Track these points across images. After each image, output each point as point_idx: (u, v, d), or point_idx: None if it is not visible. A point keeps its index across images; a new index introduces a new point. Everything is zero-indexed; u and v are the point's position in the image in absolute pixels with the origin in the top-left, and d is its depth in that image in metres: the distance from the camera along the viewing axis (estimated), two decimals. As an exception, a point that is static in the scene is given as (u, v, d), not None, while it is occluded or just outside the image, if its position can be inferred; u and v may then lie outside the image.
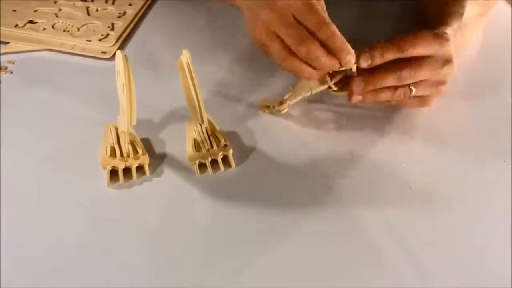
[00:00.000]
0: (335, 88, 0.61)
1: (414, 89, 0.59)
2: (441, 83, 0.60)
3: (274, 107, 0.63)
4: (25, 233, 0.51)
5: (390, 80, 0.58)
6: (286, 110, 0.63)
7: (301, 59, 0.57)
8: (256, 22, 0.59)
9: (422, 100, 0.62)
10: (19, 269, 0.49)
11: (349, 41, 0.56)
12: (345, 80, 0.61)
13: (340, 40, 0.56)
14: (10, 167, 0.56)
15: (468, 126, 0.63)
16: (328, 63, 0.56)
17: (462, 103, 0.66)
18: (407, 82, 0.59)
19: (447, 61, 0.59)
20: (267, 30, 0.58)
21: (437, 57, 0.58)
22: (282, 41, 0.57)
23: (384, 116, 0.64)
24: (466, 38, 0.67)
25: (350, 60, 0.56)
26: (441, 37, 0.59)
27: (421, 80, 0.59)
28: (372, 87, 0.59)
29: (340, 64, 0.56)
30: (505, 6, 0.80)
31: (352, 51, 0.56)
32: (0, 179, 0.55)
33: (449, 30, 0.61)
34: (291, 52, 0.57)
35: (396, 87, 0.59)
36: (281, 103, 0.63)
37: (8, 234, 0.51)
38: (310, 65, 0.57)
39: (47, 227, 0.52)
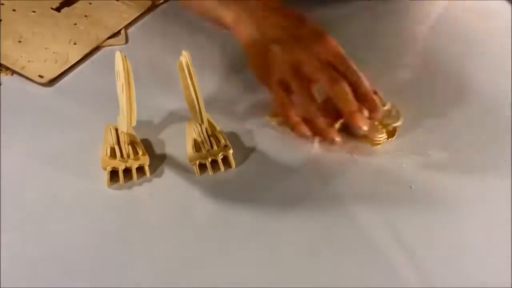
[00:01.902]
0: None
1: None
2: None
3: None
4: (25, 233, 0.52)
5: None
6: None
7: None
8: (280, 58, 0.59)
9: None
10: (19, 269, 0.49)
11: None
12: None
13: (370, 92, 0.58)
14: (10, 167, 0.57)
15: (467, 126, 0.63)
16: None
17: (462, 104, 0.66)
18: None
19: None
20: (296, 69, 0.58)
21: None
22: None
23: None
24: None
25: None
26: None
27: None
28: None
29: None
30: (505, 6, 0.80)
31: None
32: (0, 179, 0.55)
33: None
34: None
35: None
36: None
37: (8, 234, 0.51)
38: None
39: (47, 227, 0.52)
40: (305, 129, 0.58)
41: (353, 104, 0.57)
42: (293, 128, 0.59)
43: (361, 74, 0.58)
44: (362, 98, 0.57)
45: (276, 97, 0.60)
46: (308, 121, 0.58)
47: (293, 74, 0.58)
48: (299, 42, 0.59)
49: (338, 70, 0.58)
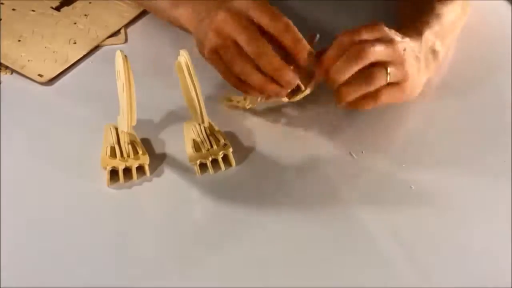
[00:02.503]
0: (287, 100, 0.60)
1: (388, 68, 0.57)
2: (400, 62, 0.57)
3: (238, 101, 0.62)
4: (25, 233, 0.52)
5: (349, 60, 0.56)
6: (250, 106, 0.62)
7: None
8: (207, 33, 0.57)
9: (399, 89, 0.59)
10: (19, 269, 0.49)
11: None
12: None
13: (295, 33, 0.55)
14: (10, 167, 0.56)
15: (468, 126, 0.63)
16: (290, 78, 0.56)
17: (462, 104, 0.66)
18: (365, 57, 0.56)
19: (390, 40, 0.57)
20: (221, 34, 0.56)
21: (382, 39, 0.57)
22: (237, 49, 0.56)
23: (383, 116, 0.64)
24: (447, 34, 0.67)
25: (307, 56, 0.55)
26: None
27: (386, 61, 0.57)
28: (336, 69, 0.57)
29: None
30: (505, 6, 0.80)
31: (308, 46, 0.55)
32: (0, 179, 0.55)
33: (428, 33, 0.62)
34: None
35: (370, 73, 0.57)
36: (244, 99, 0.62)
37: (8, 234, 0.51)
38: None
39: (47, 227, 0.52)
40: (245, 87, 0.58)
41: (275, 61, 0.55)
42: (239, 89, 0.58)
43: (284, 21, 0.55)
44: (290, 48, 0.56)
45: (215, 66, 0.59)
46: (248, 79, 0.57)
47: (217, 39, 0.57)
48: (224, 3, 0.57)
49: (260, 23, 0.55)
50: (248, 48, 0.55)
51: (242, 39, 0.55)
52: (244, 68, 0.56)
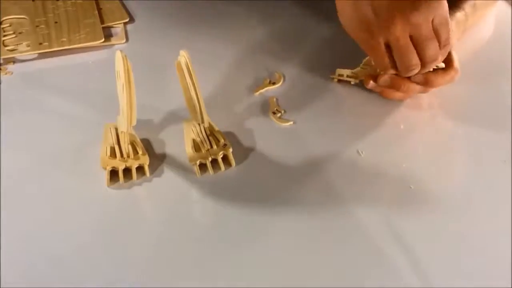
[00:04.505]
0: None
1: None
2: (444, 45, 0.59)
3: (347, 76, 0.67)
4: (25, 233, 0.52)
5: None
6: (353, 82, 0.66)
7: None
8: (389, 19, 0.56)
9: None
10: (19, 269, 0.49)
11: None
12: None
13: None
14: (10, 167, 0.57)
15: (468, 127, 0.63)
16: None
17: (462, 105, 0.66)
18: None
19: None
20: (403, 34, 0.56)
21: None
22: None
23: (383, 116, 0.64)
24: (476, 19, 0.70)
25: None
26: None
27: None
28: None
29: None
30: (505, 6, 0.80)
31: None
32: (0, 179, 0.55)
33: (461, 14, 0.64)
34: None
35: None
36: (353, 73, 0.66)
37: (8, 234, 0.51)
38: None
39: (47, 227, 0.52)
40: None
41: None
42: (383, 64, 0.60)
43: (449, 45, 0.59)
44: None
45: (380, 56, 0.59)
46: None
47: (400, 38, 0.57)
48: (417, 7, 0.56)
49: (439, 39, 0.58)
50: (424, 52, 0.57)
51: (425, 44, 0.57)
52: (412, 59, 0.58)
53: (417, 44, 0.57)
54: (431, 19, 0.56)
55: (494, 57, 0.72)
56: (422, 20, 0.55)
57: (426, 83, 0.61)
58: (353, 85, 0.67)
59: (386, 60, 0.59)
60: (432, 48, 0.57)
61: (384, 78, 0.62)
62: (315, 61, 0.70)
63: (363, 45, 0.59)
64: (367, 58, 0.66)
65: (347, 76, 0.67)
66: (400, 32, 0.56)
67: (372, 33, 0.57)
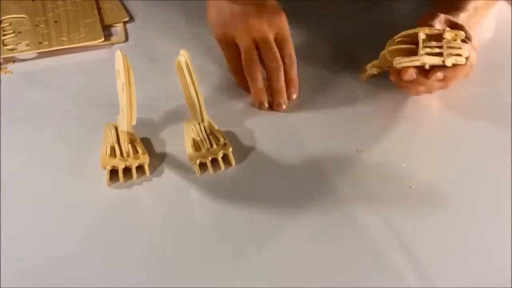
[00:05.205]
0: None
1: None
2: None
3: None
4: (25, 233, 0.52)
5: None
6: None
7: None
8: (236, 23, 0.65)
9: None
10: (19, 269, 0.49)
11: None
12: None
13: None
14: (10, 167, 0.56)
15: (468, 127, 0.63)
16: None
17: (462, 105, 0.66)
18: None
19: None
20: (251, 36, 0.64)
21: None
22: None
23: (383, 116, 0.64)
24: (479, 20, 0.70)
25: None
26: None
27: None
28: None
29: None
30: (505, 6, 0.80)
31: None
32: (0, 179, 0.55)
33: (465, 16, 0.65)
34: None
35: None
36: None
37: (8, 234, 0.51)
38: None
39: (47, 227, 0.52)
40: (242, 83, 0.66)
41: (281, 84, 0.64)
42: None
43: (294, 60, 0.65)
44: (288, 80, 0.65)
45: (223, 50, 0.67)
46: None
47: (243, 35, 0.64)
48: (260, 16, 0.65)
49: (281, 50, 0.65)
50: (269, 64, 0.64)
51: (268, 54, 0.64)
52: (255, 72, 0.64)
53: (259, 48, 0.64)
54: (272, 30, 0.65)
55: (494, 57, 0.72)
56: (264, 27, 0.64)
57: (444, 79, 0.61)
58: (352, 84, 0.67)
59: (235, 56, 0.65)
60: (271, 59, 0.64)
61: (410, 72, 0.60)
62: (315, 61, 0.70)
63: (219, 43, 0.67)
64: (382, 52, 0.63)
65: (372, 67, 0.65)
66: (243, 30, 0.64)
67: (226, 29, 0.65)
